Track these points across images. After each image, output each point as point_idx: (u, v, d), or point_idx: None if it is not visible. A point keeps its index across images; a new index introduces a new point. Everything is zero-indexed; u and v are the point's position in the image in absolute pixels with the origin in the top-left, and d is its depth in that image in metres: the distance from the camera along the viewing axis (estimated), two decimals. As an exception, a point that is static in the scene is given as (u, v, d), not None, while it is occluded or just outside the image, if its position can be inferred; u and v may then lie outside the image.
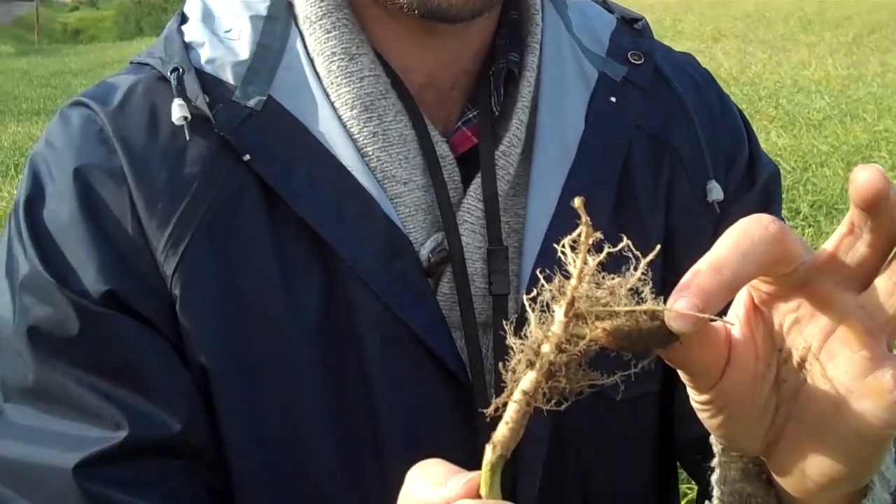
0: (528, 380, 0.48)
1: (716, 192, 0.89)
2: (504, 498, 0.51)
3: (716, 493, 0.62)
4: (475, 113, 0.85)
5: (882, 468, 0.57)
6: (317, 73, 0.81)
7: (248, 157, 0.76)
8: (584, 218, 0.47)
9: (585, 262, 0.47)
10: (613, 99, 0.87)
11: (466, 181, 0.83)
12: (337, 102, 0.80)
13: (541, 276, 0.49)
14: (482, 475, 0.49)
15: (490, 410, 0.50)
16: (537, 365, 0.48)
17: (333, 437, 0.78)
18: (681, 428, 0.90)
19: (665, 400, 0.90)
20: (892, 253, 0.50)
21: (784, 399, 0.55)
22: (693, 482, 1.15)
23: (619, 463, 0.87)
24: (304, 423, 0.78)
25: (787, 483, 0.57)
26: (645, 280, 0.48)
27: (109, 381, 0.75)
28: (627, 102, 0.87)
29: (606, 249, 0.48)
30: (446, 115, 0.85)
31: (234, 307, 0.77)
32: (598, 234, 0.48)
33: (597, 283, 0.48)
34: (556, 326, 0.47)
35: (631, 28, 0.93)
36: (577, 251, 0.48)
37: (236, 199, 0.77)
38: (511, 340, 0.49)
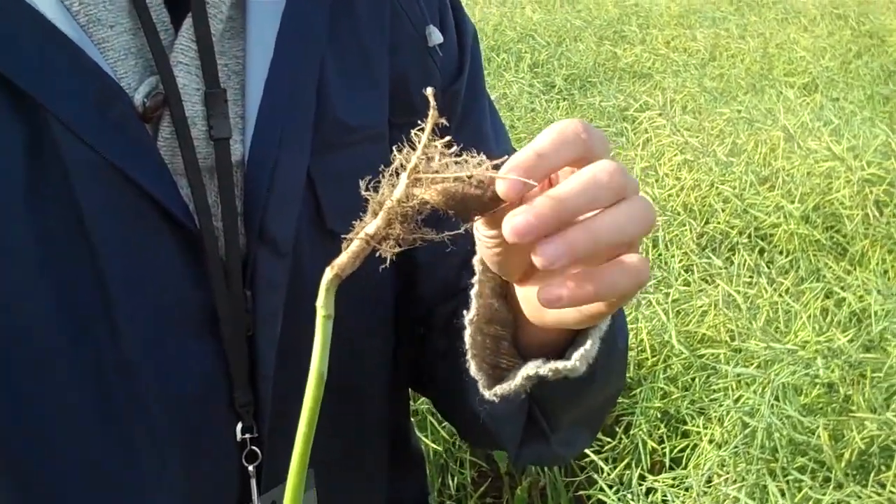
0: (372, 225, 0.60)
1: (435, 35, 0.94)
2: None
3: (473, 304, 0.75)
4: None
5: (599, 331, 0.74)
6: None
7: None
8: (432, 103, 0.59)
9: (430, 139, 0.59)
10: None
11: (177, 24, 0.80)
12: None
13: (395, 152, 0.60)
14: (321, 292, 0.61)
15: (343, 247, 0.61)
16: (380, 214, 0.59)
17: (54, 304, 0.74)
18: (427, 274, 0.96)
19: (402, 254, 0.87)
20: None
21: None
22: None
23: (360, 308, 0.89)
24: (15, 291, 0.73)
25: (526, 308, 0.73)
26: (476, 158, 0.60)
27: None
28: None
29: (443, 139, 0.60)
30: None
31: None
32: (443, 120, 0.60)
33: (436, 158, 0.59)
34: (399, 186, 0.59)
35: None
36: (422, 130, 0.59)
37: None
38: (365, 193, 0.60)
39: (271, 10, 0.84)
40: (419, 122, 0.92)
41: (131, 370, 0.77)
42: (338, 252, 0.85)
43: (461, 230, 0.62)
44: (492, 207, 0.59)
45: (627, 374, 2.77)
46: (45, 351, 0.75)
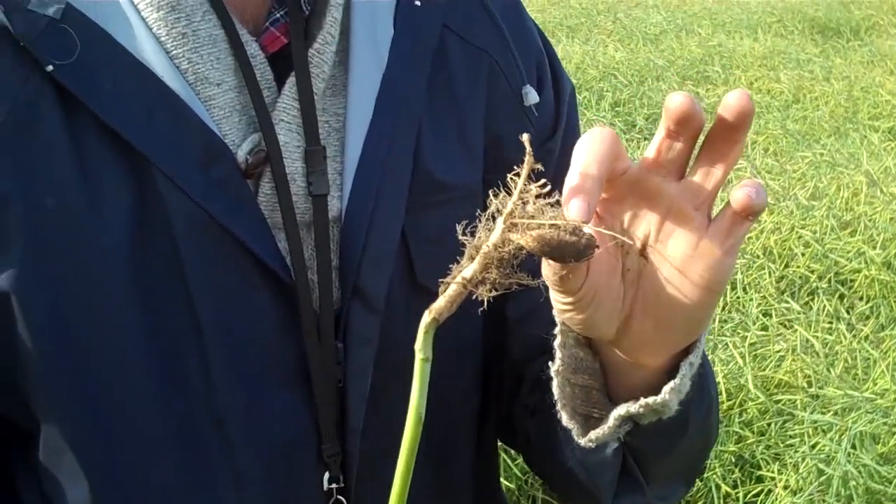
0: (469, 269, 0.60)
1: (532, 96, 0.94)
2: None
3: (558, 355, 0.75)
4: (283, 12, 0.83)
5: (688, 366, 0.72)
6: None
7: (51, 67, 0.73)
8: (528, 149, 0.59)
9: (526, 184, 0.59)
10: (418, 3, 0.89)
11: (280, 82, 0.82)
12: (141, 5, 0.77)
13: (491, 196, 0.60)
14: (419, 335, 0.63)
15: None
16: (477, 258, 0.60)
17: (151, 352, 0.77)
18: (517, 331, 0.96)
19: (494, 310, 0.91)
20: (700, 146, 0.65)
21: (630, 285, 0.68)
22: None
23: (449, 370, 0.88)
24: (117, 342, 0.76)
25: (628, 352, 0.73)
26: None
27: None
28: (431, 4, 0.90)
29: (535, 186, 0.60)
30: (255, 15, 0.83)
31: (36, 221, 0.74)
32: (539, 166, 0.60)
33: (530, 203, 0.60)
34: (496, 231, 0.60)
35: None
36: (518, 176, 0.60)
37: (33, 111, 0.74)
38: (462, 238, 0.61)
39: (373, 70, 0.85)
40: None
41: (223, 419, 0.79)
42: (428, 306, 0.88)
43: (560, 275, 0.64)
44: (587, 255, 0.60)
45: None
46: (142, 397, 0.77)
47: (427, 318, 0.63)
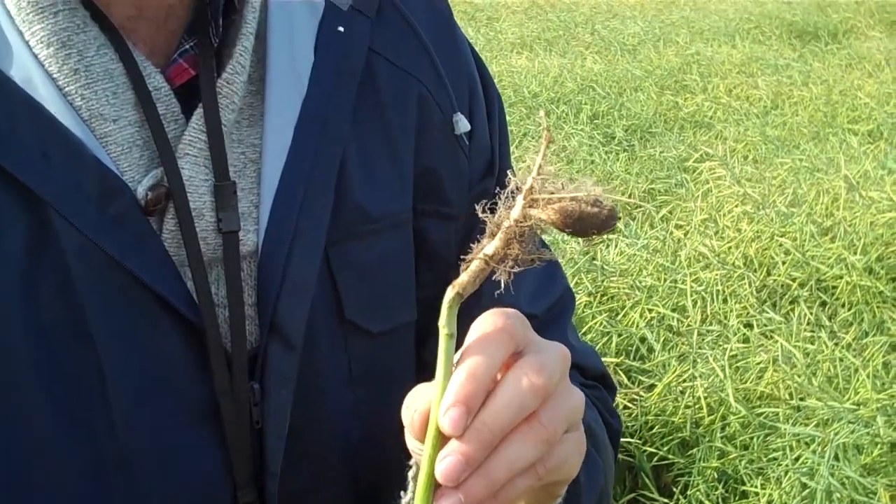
0: (491, 245, 0.61)
1: (462, 124, 0.93)
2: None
3: (410, 487, 0.72)
4: (192, 44, 0.82)
5: None
6: (8, 12, 0.75)
7: None
8: (545, 123, 0.61)
9: (544, 159, 0.60)
10: (342, 28, 0.87)
11: (190, 115, 0.79)
12: (32, 41, 0.75)
13: (509, 173, 0.62)
14: (443, 310, 0.63)
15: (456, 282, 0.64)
16: (498, 234, 0.61)
17: (51, 395, 0.74)
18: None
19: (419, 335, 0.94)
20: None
21: None
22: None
23: (381, 408, 0.85)
24: (14, 385, 0.73)
25: None
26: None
27: None
28: (356, 31, 0.88)
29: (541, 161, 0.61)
30: (166, 47, 0.81)
31: None
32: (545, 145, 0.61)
33: (546, 181, 0.60)
34: (517, 206, 0.61)
35: None
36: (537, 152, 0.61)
37: None
38: (482, 215, 0.62)
39: (292, 98, 0.84)
40: (441, 209, 0.91)
41: (131, 463, 0.76)
42: (355, 342, 0.86)
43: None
44: (609, 226, 0.60)
45: (685, 434, 2.75)
46: (43, 441, 0.74)
47: (451, 292, 0.63)
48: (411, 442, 0.68)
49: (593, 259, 3.65)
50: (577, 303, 3.30)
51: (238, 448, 0.80)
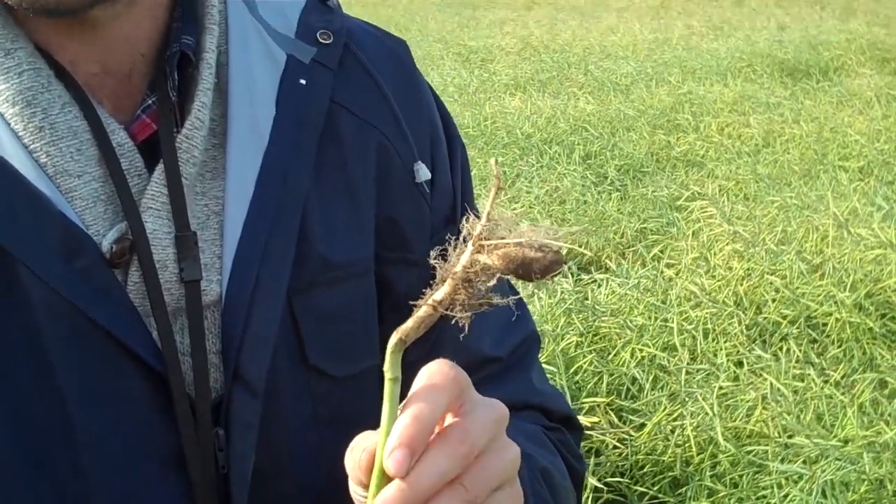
0: (440, 291, 0.62)
1: (423, 172, 0.95)
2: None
3: None
4: (154, 99, 0.84)
5: None
6: None
7: None
8: (495, 171, 0.62)
9: (493, 205, 0.61)
10: (303, 81, 0.89)
11: (153, 169, 0.82)
12: None
13: (466, 218, 0.62)
14: (387, 355, 0.63)
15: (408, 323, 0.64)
16: (447, 280, 0.62)
17: (16, 441, 0.76)
18: None
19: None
20: None
21: None
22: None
23: (350, 440, 0.82)
24: None
25: None
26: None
27: None
28: (317, 83, 0.90)
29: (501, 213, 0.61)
30: (130, 103, 0.84)
31: None
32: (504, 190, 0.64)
33: (497, 226, 0.61)
34: (465, 253, 0.61)
35: (323, 5, 0.95)
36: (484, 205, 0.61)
37: None
38: (434, 262, 0.62)
39: (253, 151, 0.86)
40: (406, 256, 0.94)
41: None
42: (319, 385, 0.89)
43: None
44: (553, 270, 0.61)
45: (675, 472, 2.76)
46: (7, 489, 0.76)
47: (394, 338, 0.64)
48: (353, 489, 0.70)
49: (585, 299, 3.68)
50: (567, 342, 3.33)
51: (204, 493, 0.82)
